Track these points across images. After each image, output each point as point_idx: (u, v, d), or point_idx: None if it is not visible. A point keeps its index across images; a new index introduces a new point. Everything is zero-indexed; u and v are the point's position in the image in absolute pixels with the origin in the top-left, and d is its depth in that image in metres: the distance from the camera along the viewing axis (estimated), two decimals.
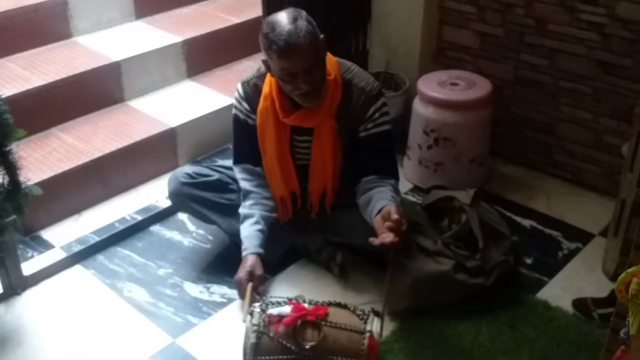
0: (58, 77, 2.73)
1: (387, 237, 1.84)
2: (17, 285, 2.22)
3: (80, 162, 2.54)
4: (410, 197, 2.73)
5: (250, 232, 2.19)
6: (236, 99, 2.24)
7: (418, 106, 2.71)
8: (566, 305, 2.15)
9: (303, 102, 2.07)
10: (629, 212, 2.12)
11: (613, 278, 2.23)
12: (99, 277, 2.31)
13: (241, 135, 2.27)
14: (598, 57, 2.54)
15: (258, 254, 2.16)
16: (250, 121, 2.22)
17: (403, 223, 1.88)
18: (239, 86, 2.23)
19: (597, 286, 2.22)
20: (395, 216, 1.87)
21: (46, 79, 2.71)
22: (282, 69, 1.99)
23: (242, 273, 2.11)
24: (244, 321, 1.85)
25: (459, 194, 2.33)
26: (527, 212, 2.62)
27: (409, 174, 2.82)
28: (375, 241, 1.86)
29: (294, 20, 1.96)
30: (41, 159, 2.54)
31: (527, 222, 2.57)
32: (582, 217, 2.58)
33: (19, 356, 2.00)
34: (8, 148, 2.00)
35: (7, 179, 2.02)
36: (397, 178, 2.22)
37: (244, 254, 2.17)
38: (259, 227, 2.20)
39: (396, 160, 2.25)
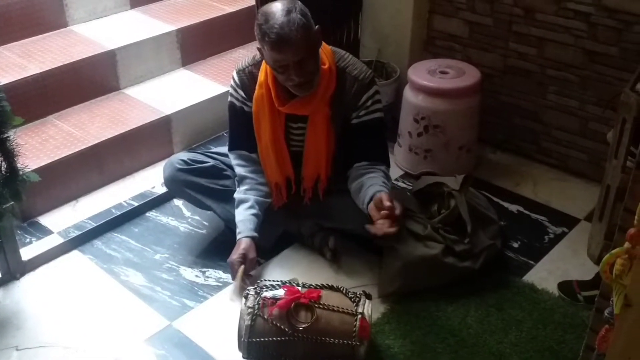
0: (54, 65, 2.71)
1: (386, 227, 1.86)
2: (16, 270, 2.22)
3: (76, 149, 2.53)
4: (401, 184, 2.73)
5: (244, 216, 2.20)
6: (232, 86, 2.23)
7: (408, 94, 2.71)
8: (552, 287, 2.17)
9: (296, 92, 2.07)
10: (613, 197, 2.14)
11: (598, 261, 2.25)
12: (96, 262, 2.31)
13: (237, 123, 2.27)
14: (584, 46, 2.55)
15: (252, 238, 2.17)
16: (246, 108, 2.21)
17: (396, 207, 1.89)
18: (235, 74, 2.22)
19: (582, 269, 2.24)
20: (387, 203, 1.89)
21: (42, 67, 2.69)
22: (274, 61, 1.99)
23: (235, 255, 2.12)
24: (232, 299, 1.86)
25: (448, 180, 2.34)
26: (514, 198, 2.64)
27: (399, 160, 2.83)
28: (377, 233, 1.87)
29: (288, 12, 1.95)
30: (38, 146, 2.53)
31: (514, 207, 2.59)
32: (567, 203, 2.60)
33: (18, 340, 2.00)
34: (5, 135, 1.99)
35: (4, 166, 2.02)
36: (388, 164, 2.23)
37: (238, 237, 2.17)
38: (253, 211, 2.21)
39: (387, 147, 2.26)
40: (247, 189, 2.24)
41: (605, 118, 2.55)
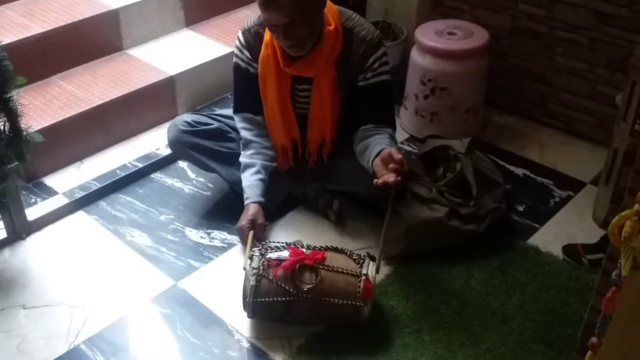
0: (57, 25, 2.66)
1: (390, 177, 1.82)
2: (22, 230, 2.22)
3: (80, 110, 2.51)
4: (406, 147, 2.71)
5: (251, 182, 2.18)
6: (237, 47, 2.19)
7: (415, 56, 2.66)
8: (556, 251, 2.16)
9: (289, 52, 2.04)
10: (620, 160, 2.12)
11: (603, 225, 2.24)
12: (102, 222, 2.31)
13: (242, 84, 2.24)
14: (595, 7, 2.49)
15: (260, 203, 2.16)
16: (251, 69, 2.18)
17: (405, 164, 1.86)
18: (240, 34, 2.18)
19: (587, 233, 2.23)
20: (398, 156, 1.85)
21: (45, 26, 2.65)
22: (265, 20, 1.97)
23: (244, 221, 2.12)
24: (245, 268, 1.87)
25: (454, 143, 2.32)
26: (520, 161, 2.61)
27: (405, 123, 2.80)
28: (378, 181, 1.84)
29: None
30: (42, 107, 2.51)
31: (520, 171, 2.57)
32: (574, 166, 2.58)
33: (25, 298, 2.01)
34: (8, 95, 1.96)
35: (8, 126, 2.00)
36: (394, 127, 2.20)
37: (246, 202, 2.16)
38: (260, 176, 2.19)
39: (394, 110, 2.23)
40: (252, 153, 2.22)
41: (615, 81, 2.51)
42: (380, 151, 1.96)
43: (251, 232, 2.07)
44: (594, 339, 1.07)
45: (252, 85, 2.18)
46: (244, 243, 2.09)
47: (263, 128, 2.25)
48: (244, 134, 2.25)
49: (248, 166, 2.21)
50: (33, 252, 2.19)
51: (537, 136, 2.77)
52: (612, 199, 2.17)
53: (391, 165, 1.85)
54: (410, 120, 2.76)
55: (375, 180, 1.85)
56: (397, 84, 2.74)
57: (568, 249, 2.15)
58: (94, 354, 1.84)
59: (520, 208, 2.37)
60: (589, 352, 1.08)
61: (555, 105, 2.77)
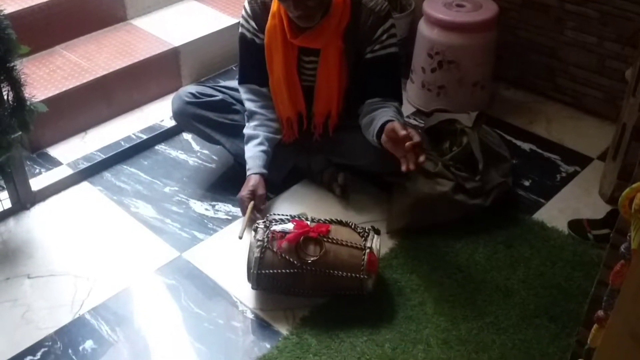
0: None
1: (419, 158, 1.77)
2: (26, 200, 2.22)
3: (84, 80, 2.49)
4: (412, 121, 2.68)
5: (254, 153, 2.17)
6: (243, 17, 2.16)
7: (423, 28, 2.63)
8: (562, 226, 2.15)
9: (298, 23, 2.01)
10: (629, 136, 2.08)
11: (609, 201, 2.22)
12: (106, 193, 2.30)
13: (247, 55, 2.21)
14: None
15: (261, 174, 2.15)
16: (257, 40, 2.15)
17: (413, 135, 1.80)
18: (246, 4, 2.15)
19: (593, 209, 2.21)
20: (402, 132, 1.80)
21: None
22: None
23: (244, 192, 2.11)
24: (240, 237, 1.86)
25: (461, 116, 2.29)
26: (527, 136, 2.59)
27: (411, 97, 2.77)
28: (411, 167, 1.78)
29: None
30: (46, 77, 2.49)
31: (526, 146, 2.54)
32: (581, 141, 2.55)
33: (29, 268, 2.01)
34: (12, 64, 1.94)
35: (11, 96, 1.98)
36: (400, 101, 2.18)
37: (248, 173, 2.15)
38: (263, 148, 2.18)
39: (401, 83, 2.20)
40: (256, 125, 2.20)
41: (624, 55, 2.47)
42: (384, 123, 1.92)
43: (251, 203, 2.06)
44: (600, 312, 1.06)
45: (257, 56, 2.16)
46: (244, 213, 2.09)
47: (268, 100, 2.22)
48: (249, 105, 2.22)
49: (251, 137, 2.19)
50: (37, 222, 2.18)
51: (545, 111, 2.74)
52: (619, 174, 2.13)
53: (408, 144, 1.78)
54: (417, 93, 2.73)
55: (403, 168, 1.80)
56: (404, 57, 2.71)
57: (573, 224, 2.13)
58: (98, 323, 1.85)
59: (527, 183, 2.36)
60: (595, 325, 1.07)
61: (564, 80, 2.73)
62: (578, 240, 2.09)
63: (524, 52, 2.79)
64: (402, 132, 1.80)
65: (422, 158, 1.78)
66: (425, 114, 2.68)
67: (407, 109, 2.69)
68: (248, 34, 2.16)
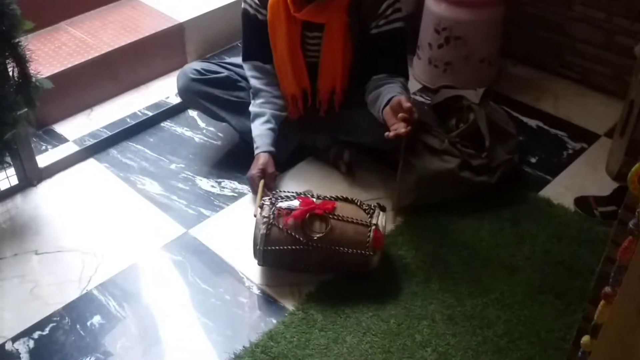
0: None
1: (400, 128, 1.79)
2: (33, 177, 2.22)
3: (90, 57, 2.47)
4: (419, 97, 2.66)
5: (261, 131, 2.16)
6: None
7: (430, 3, 2.59)
8: (568, 203, 2.14)
9: None
10: (637, 112, 2.07)
11: (616, 178, 2.21)
12: (112, 170, 2.30)
13: (250, 31, 2.19)
14: None
15: (270, 152, 2.14)
16: (260, 16, 2.13)
17: (414, 112, 1.83)
18: None
19: (600, 185, 2.20)
20: (407, 104, 1.82)
21: None
22: None
23: (254, 170, 2.10)
24: (255, 215, 1.86)
25: (468, 93, 2.27)
26: (534, 113, 2.57)
27: (418, 73, 2.74)
28: (389, 134, 1.81)
29: None
30: (51, 53, 2.47)
31: (533, 122, 2.52)
32: (588, 118, 2.53)
33: (37, 244, 2.02)
34: (16, 40, 1.93)
35: (17, 72, 1.97)
36: (406, 77, 2.16)
37: (256, 152, 2.14)
38: (270, 125, 2.16)
39: (407, 59, 2.18)
40: (262, 102, 2.19)
41: (633, 31, 2.44)
42: (390, 99, 1.92)
43: (262, 181, 2.06)
44: (607, 289, 1.05)
45: (260, 32, 2.14)
46: (255, 192, 2.08)
47: (273, 77, 2.21)
48: (254, 82, 2.21)
49: (258, 115, 2.18)
50: (44, 198, 2.19)
51: (552, 87, 2.71)
52: (627, 151, 2.13)
53: (400, 115, 1.82)
54: (424, 70, 2.71)
55: (386, 134, 1.83)
56: (410, 33, 2.68)
57: (580, 201, 2.12)
58: (106, 299, 1.85)
59: (533, 160, 2.34)
60: (602, 302, 1.06)
61: (571, 56, 2.70)
62: (584, 217, 2.08)
63: (531, 28, 2.75)
64: (407, 104, 1.82)
65: (404, 130, 1.78)
66: (431, 90, 2.66)
67: (414, 85, 2.67)
68: (251, 10, 2.14)
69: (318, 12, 2.03)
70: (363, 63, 2.13)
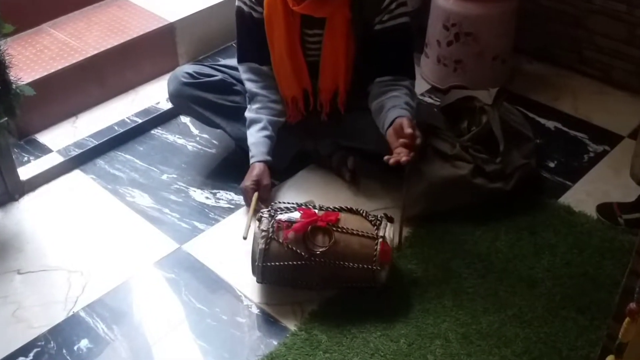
0: None
1: (402, 155, 1.82)
2: (14, 191, 2.23)
3: (74, 61, 2.49)
4: (427, 99, 2.67)
5: (257, 139, 2.16)
6: None
7: None
8: (590, 210, 2.14)
9: None
10: None
11: None
12: (100, 182, 2.31)
13: (245, 30, 2.20)
14: None
15: (265, 162, 2.15)
16: (255, 14, 2.14)
17: (417, 137, 1.87)
18: None
19: (624, 191, 2.19)
20: (408, 130, 1.86)
21: None
22: None
23: (248, 181, 2.11)
24: (244, 237, 1.87)
25: (480, 93, 2.28)
26: (552, 113, 2.58)
27: (426, 73, 2.75)
28: (390, 160, 1.84)
29: None
30: (32, 58, 2.49)
31: (551, 124, 2.53)
32: (610, 118, 2.54)
33: (20, 263, 2.03)
34: None
35: None
36: (413, 78, 2.17)
37: (251, 161, 2.15)
38: (266, 133, 2.17)
39: (413, 57, 2.19)
40: (258, 108, 2.20)
41: None
42: (394, 119, 1.95)
43: (255, 194, 2.06)
44: (632, 305, 1.05)
45: (256, 31, 2.15)
46: (248, 205, 2.08)
47: (270, 79, 2.21)
48: (249, 86, 2.22)
49: (254, 122, 2.19)
50: (27, 213, 2.20)
51: (571, 85, 2.72)
52: None
53: (401, 140, 1.86)
54: (432, 69, 2.72)
55: (385, 158, 1.85)
56: (418, 30, 2.69)
57: (603, 208, 2.12)
58: (94, 321, 1.86)
59: (551, 164, 2.34)
60: (627, 319, 1.06)
61: (591, 52, 2.71)
62: (607, 226, 2.08)
63: (547, 22, 2.76)
64: (408, 130, 1.86)
65: (405, 158, 1.81)
66: (441, 91, 2.67)
67: (422, 85, 2.68)
68: (245, 8, 2.15)
69: (319, 6, 2.04)
70: (367, 62, 2.13)
